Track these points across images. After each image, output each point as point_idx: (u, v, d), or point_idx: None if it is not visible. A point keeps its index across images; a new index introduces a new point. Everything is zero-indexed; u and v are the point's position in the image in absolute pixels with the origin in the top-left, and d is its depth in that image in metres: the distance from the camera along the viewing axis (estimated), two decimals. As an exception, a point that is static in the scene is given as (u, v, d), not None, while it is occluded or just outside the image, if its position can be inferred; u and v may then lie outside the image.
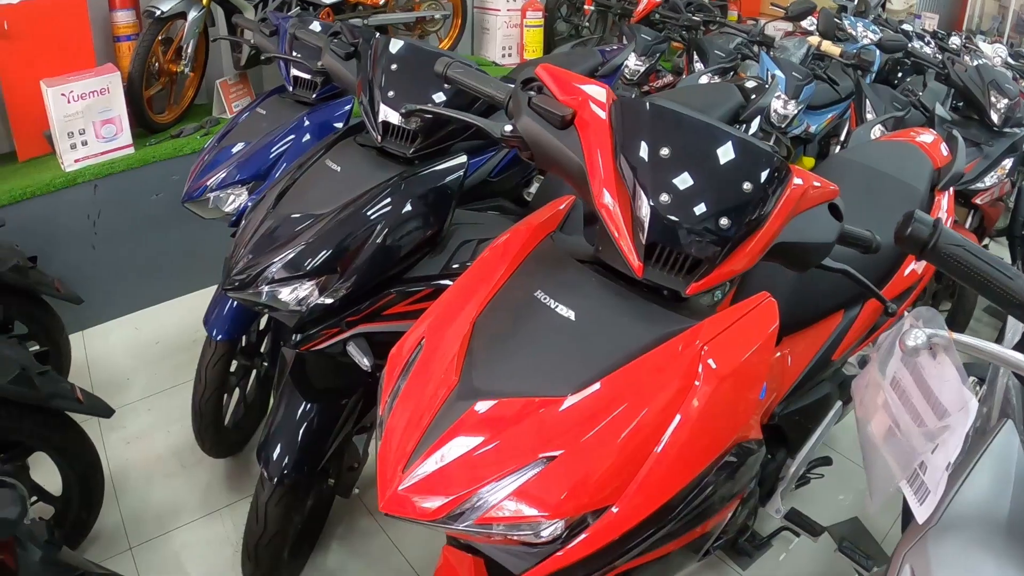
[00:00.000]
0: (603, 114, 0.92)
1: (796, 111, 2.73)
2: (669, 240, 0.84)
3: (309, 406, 1.43)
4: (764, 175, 0.86)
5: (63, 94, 2.56)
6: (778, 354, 1.25)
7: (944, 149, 1.79)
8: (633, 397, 0.80)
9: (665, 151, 0.87)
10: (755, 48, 3.12)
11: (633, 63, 3.21)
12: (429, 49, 1.45)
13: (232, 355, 1.83)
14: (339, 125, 1.81)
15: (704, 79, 2.54)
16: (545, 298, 0.88)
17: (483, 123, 1.06)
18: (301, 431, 1.41)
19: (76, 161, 2.64)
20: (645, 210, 0.85)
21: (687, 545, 0.93)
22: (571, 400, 0.80)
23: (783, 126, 2.74)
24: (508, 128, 1.00)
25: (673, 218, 0.84)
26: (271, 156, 1.75)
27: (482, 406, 0.81)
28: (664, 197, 0.85)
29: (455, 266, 1.39)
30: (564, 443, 0.78)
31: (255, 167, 1.73)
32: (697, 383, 0.80)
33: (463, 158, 1.41)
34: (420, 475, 0.79)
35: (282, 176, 1.47)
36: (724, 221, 0.84)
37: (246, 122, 1.90)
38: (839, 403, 1.47)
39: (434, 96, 1.38)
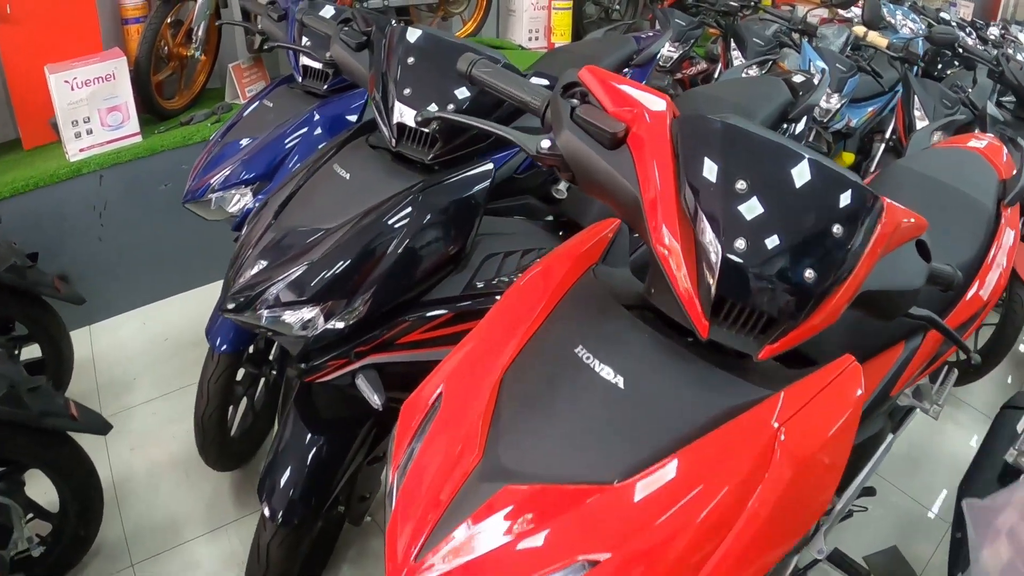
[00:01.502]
0: (663, 132, 0.75)
1: (839, 105, 2.51)
2: (743, 296, 0.69)
3: (316, 436, 1.27)
4: (856, 213, 0.71)
5: (66, 81, 2.39)
6: None
7: (1006, 157, 1.60)
8: (692, 489, 0.66)
9: (741, 184, 0.70)
10: (796, 37, 2.88)
11: (667, 50, 2.98)
12: (452, 41, 1.25)
13: (237, 366, 1.67)
14: (353, 119, 1.63)
15: (747, 72, 2.32)
16: (587, 357, 0.74)
17: (515, 136, 0.86)
18: (307, 464, 1.25)
19: (81, 151, 2.47)
20: (716, 257, 0.69)
21: None
22: (617, 489, 0.67)
23: (825, 120, 2.51)
24: (545, 144, 0.82)
25: (750, 269, 0.68)
26: (278, 153, 1.57)
27: (511, 491, 0.68)
28: (740, 243, 0.68)
29: (479, 285, 1.22)
30: (609, 544, 0.65)
31: (261, 165, 1.56)
32: (768, 472, 0.67)
33: (489, 165, 1.22)
34: (436, 571, 0.67)
35: (287, 180, 1.29)
36: (809, 273, 0.68)
37: (252, 115, 1.72)
38: (890, 437, 1.32)
39: (457, 94, 1.18)
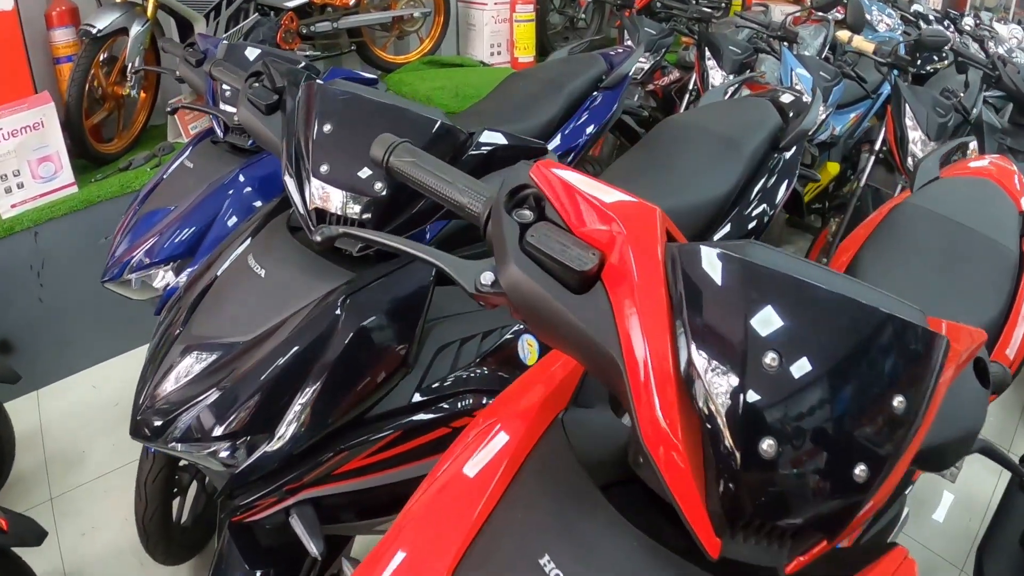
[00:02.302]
0: (656, 267, 0.52)
1: (824, 116, 2.31)
2: (771, 511, 0.48)
3: (255, 571, 1.08)
4: (922, 372, 0.49)
5: (-10, 133, 2.16)
6: None
7: (1018, 181, 1.43)
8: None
9: (772, 357, 0.48)
10: (773, 43, 2.68)
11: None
12: (379, 100, 1.00)
13: (176, 461, 1.47)
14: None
15: (729, 91, 2.12)
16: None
17: (446, 264, 0.61)
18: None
19: (12, 207, 2.25)
20: (733, 462, 0.48)
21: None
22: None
23: (810, 132, 2.32)
24: (487, 278, 0.58)
25: (782, 477, 0.47)
26: (201, 224, 1.37)
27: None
28: (768, 443, 0.47)
29: (434, 385, 1.02)
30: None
31: (182, 241, 1.36)
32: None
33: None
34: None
35: (204, 265, 1.10)
36: (861, 470, 0.48)
37: (172, 179, 1.51)
38: (906, 511, 1.17)
39: (370, 174, 0.94)
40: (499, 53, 3.36)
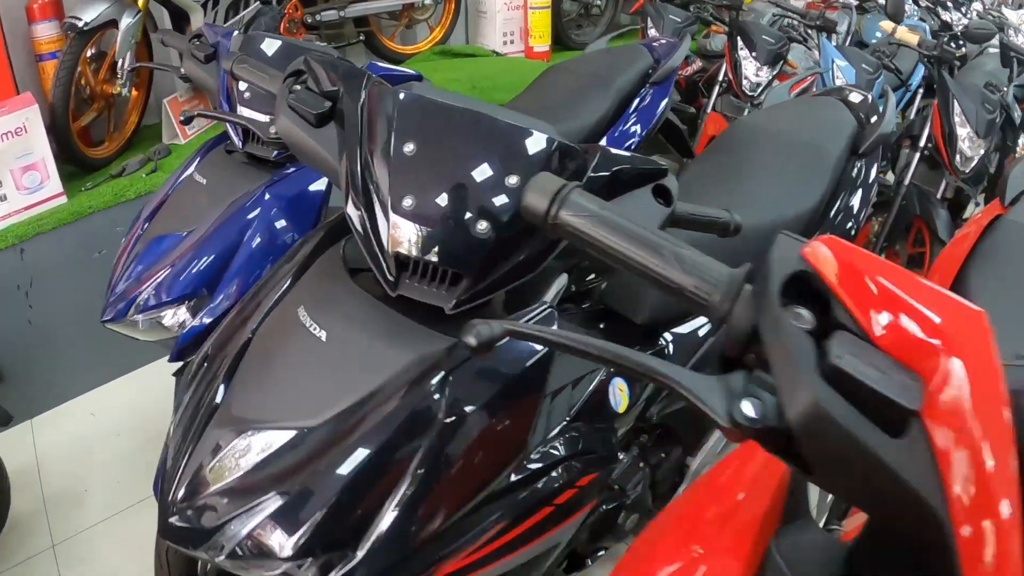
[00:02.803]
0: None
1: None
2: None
3: None
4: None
5: (-35, 140, 1.92)
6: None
7: None
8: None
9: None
10: (808, 32, 2.49)
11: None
12: (477, 111, 0.76)
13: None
14: (317, 198, 1.22)
15: (788, 87, 1.93)
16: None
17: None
18: None
19: (-6, 221, 2.01)
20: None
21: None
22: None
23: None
24: (750, 410, 0.43)
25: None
26: (221, 253, 1.16)
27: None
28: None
29: (533, 457, 0.85)
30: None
31: (197, 277, 1.15)
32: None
33: (548, 309, 0.82)
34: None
35: (233, 324, 0.89)
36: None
37: (180, 196, 1.29)
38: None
39: (495, 208, 0.72)
40: (512, 42, 3.12)
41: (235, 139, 1.25)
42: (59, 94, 2.07)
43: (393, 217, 0.71)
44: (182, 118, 1.13)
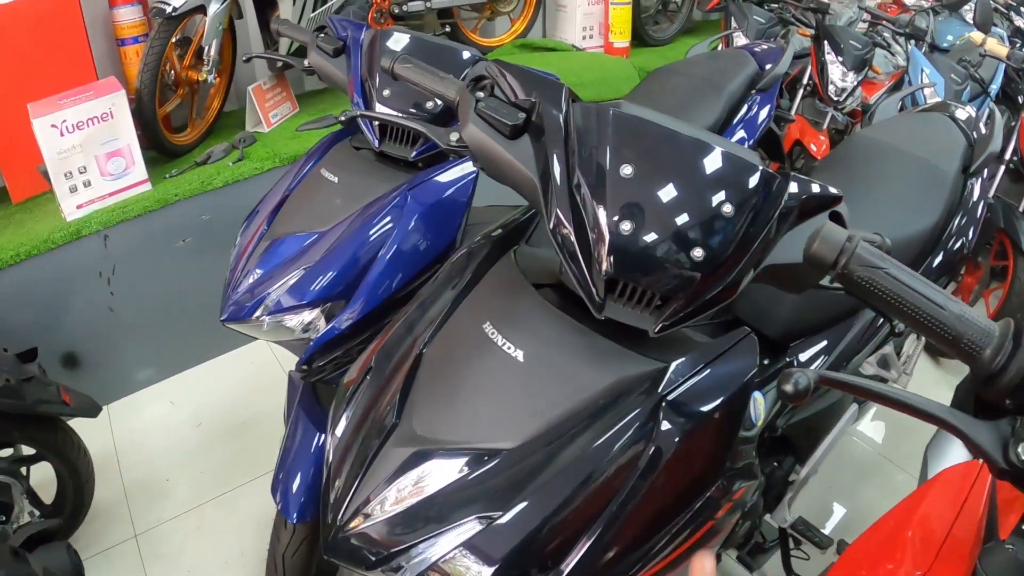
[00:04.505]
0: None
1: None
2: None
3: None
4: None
5: (54, 125, 1.81)
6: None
7: None
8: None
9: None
10: (898, 38, 2.34)
11: (742, 50, 2.42)
12: (690, 136, 0.77)
13: (316, 535, 1.18)
14: (461, 199, 1.10)
15: (898, 101, 1.79)
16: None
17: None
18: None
19: (79, 207, 1.91)
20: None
21: None
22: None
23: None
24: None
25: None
26: (358, 257, 1.04)
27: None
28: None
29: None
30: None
31: (336, 278, 1.04)
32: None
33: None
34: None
35: (395, 339, 0.83)
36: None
37: (307, 191, 1.17)
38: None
39: (704, 240, 0.73)
40: (591, 36, 2.96)
41: (371, 137, 1.13)
42: (146, 80, 1.96)
43: (610, 240, 0.67)
44: (343, 118, 1.01)
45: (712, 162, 0.68)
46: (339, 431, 0.78)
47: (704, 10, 3.17)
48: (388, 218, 1.06)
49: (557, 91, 0.76)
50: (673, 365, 0.70)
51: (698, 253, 0.65)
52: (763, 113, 1.69)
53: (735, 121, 1.64)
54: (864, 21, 2.56)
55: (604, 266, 0.68)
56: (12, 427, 1.47)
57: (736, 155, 0.69)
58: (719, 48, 2.72)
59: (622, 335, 0.73)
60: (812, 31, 2.40)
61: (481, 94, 0.78)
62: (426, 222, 1.05)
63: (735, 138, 1.67)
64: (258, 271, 1.12)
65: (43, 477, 1.56)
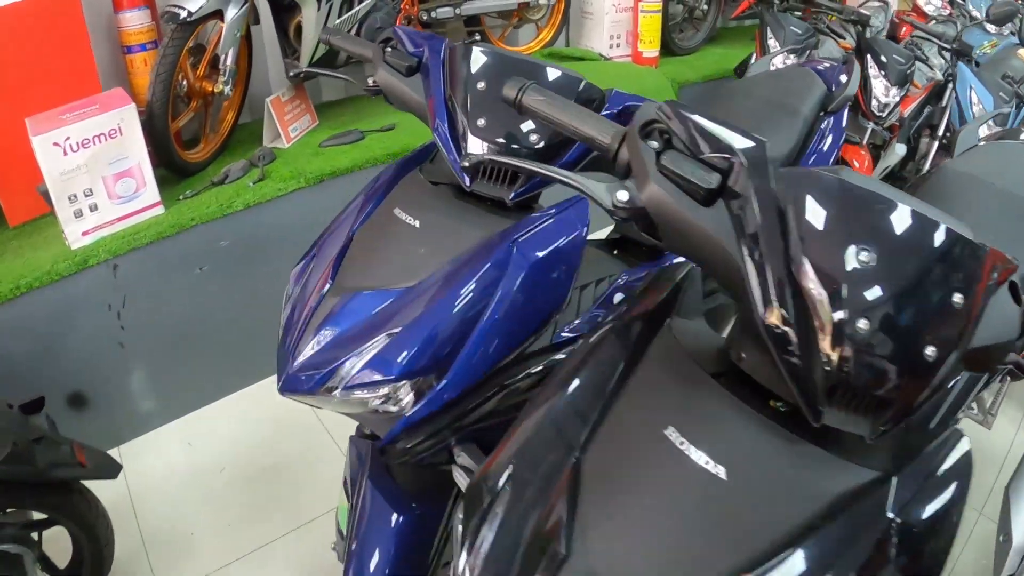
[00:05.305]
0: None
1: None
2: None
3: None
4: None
5: (56, 143, 1.60)
6: None
7: None
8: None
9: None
10: (944, 54, 2.23)
11: (780, 63, 2.29)
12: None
13: None
14: (572, 257, 0.92)
15: (977, 128, 1.68)
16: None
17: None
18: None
19: (84, 234, 1.71)
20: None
21: None
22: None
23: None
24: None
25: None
26: (454, 325, 0.87)
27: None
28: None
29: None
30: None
31: (428, 350, 0.86)
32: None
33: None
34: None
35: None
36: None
37: (377, 235, 0.97)
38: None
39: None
40: (618, 46, 2.79)
41: (462, 181, 0.93)
42: (159, 91, 1.75)
43: (845, 341, 0.56)
44: (466, 163, 0.85)
45: (941, 242, 0.58)
46: (482, 546, 0.65)
47: (731, 18, 3.03)
48: (490, 276, 0.88)
49: (759, 151, 0.61)
50: (896, 479, 0.60)
51: (931, 351, 0.57)
52: (838, 138, 1.55)
53: (812, 146, 1.50)
54: (915, 37, 2.45)
55: (831, 369, 0.57)
56: (23, 494, 1.27)
57: (961, 234, 0.59)
58: (753, 59, 2.58)
59: (831, 441, 0.62)
60: (851, 43, 2.28)
61: (655, 143, 0.63)
62: (535, 279, 0.87)
63: (812, 164, 1.53)
64: (326, 333, 0.94)
65: (56, 535, 1.37)
